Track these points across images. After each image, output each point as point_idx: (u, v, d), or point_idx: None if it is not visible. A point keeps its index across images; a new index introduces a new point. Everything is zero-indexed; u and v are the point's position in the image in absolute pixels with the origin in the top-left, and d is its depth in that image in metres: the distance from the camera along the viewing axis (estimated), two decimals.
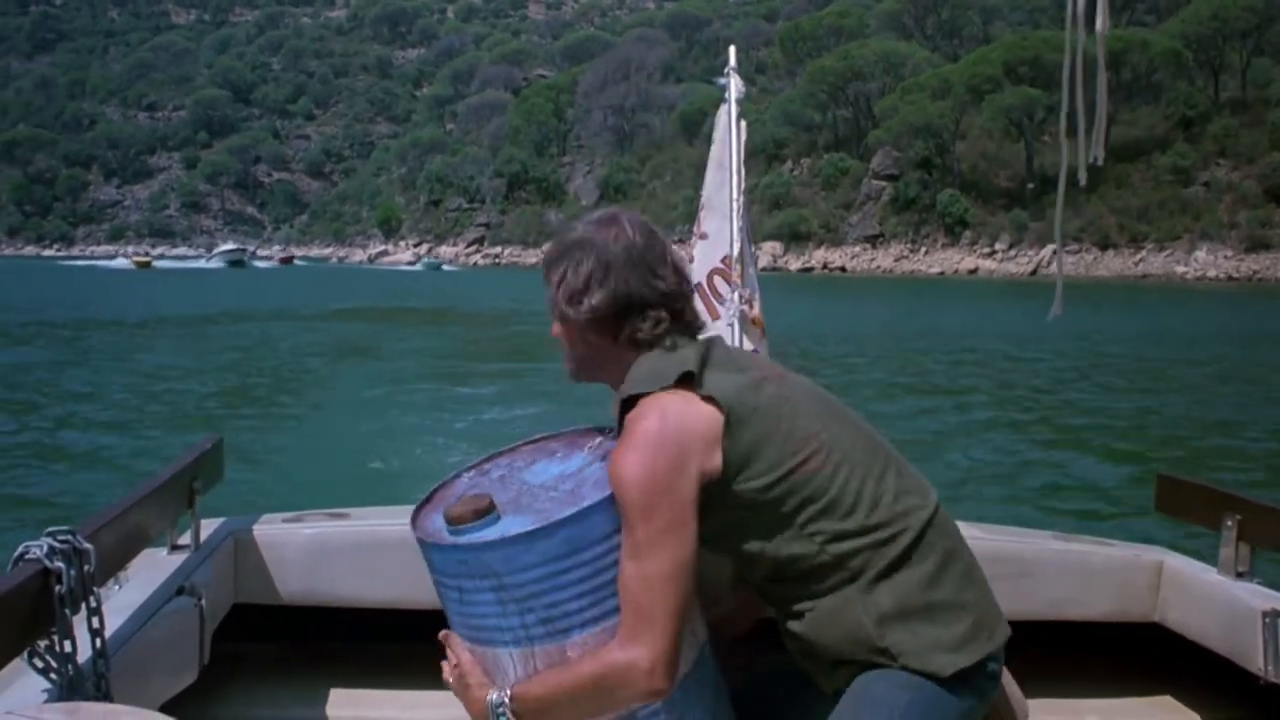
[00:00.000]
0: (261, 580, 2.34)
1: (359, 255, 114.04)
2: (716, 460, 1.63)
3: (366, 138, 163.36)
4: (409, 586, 2.23)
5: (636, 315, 1.73)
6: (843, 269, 69.76)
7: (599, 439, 1.82)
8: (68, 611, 1.50)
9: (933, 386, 15.22)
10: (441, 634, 1.73)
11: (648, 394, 1.67)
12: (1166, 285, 54.68)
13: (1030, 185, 65.25)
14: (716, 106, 3.22)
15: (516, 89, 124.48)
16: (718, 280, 3.15)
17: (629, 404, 1.69)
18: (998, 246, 66.54)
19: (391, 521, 2.35)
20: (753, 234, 3.34)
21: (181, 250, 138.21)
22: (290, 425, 12.01)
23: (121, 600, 1.91)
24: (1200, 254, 60.28)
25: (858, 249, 71.59)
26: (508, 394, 14.14)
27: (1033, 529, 2.73)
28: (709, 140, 3.27)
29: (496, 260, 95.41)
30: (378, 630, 2.43)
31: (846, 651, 1.64)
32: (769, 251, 68.52)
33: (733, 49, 3.02)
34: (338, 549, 2.35)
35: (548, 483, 1.73)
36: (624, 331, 1.73)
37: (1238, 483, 7.40)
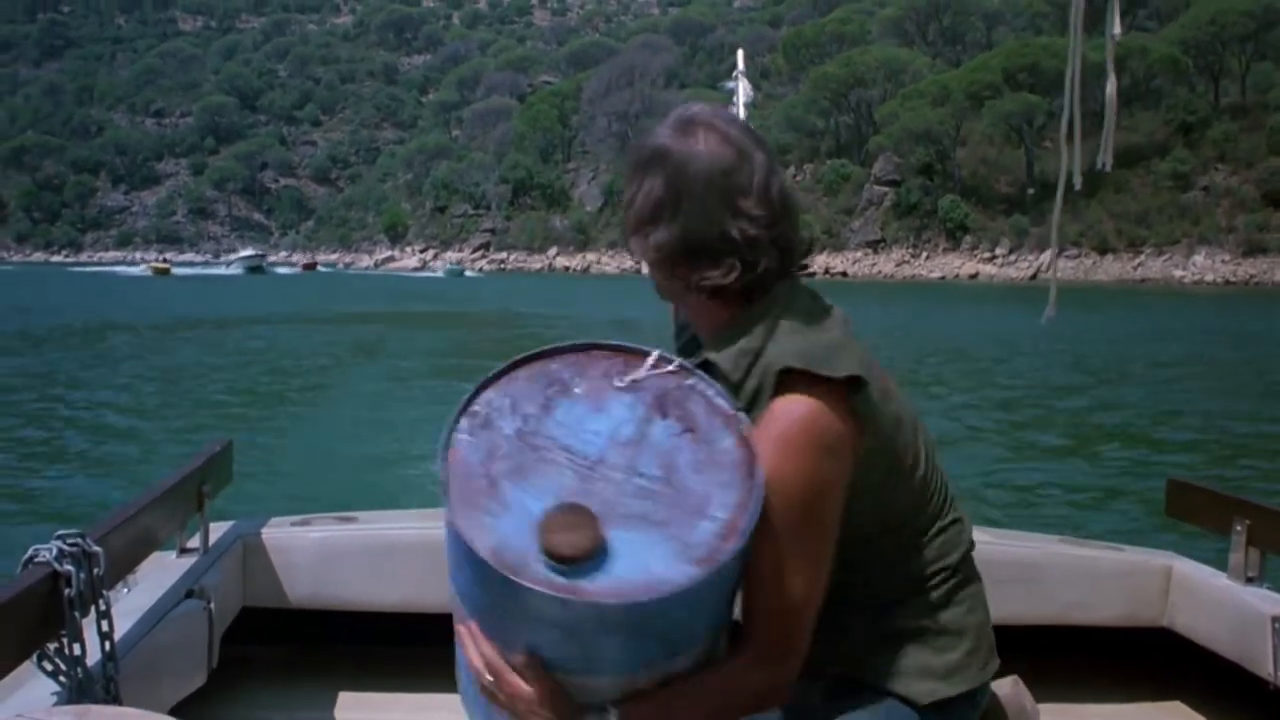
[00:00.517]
0: (270, 583, 2.34)
1: (365, 261, 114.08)
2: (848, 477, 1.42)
3: (372, 144, 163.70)
4: (418, 590, 2.26)
5: (707, 261, 1.43)
6: (844, 274, 69.67)
7: (620, 366, 1.40)
8: (77, 614, 1.48)
9: (934, 391, 15.11)
10: (485, 660, 1.33)
11: (807, 374, 1.37)
12: (1164, 289, 54.72)
13: (1030, 191, 65.70)
14: None
15: (522, 95, 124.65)
16: None
17: (782, 377, 1.38)
18: (998, 251, 67.04)
19: (400, 525, 2.40)
20: None
21: (189, 256, 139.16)
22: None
23: (130, 603, 1.90)
24: (1198, 258, 60.56)
25: (859, 254, 71.97)
26: None
27: (1042, 533, 2.69)
28: None
29: (502, 266, 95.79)
30: (386, 634, 2.41)
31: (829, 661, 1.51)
32: None
33: (740, 52, 2.86)
34: (346, 552, 2.34)
35: (604, 453, 1.32)
36: (693, 278, 1.44)
37: (1248, 487, 7.70)
